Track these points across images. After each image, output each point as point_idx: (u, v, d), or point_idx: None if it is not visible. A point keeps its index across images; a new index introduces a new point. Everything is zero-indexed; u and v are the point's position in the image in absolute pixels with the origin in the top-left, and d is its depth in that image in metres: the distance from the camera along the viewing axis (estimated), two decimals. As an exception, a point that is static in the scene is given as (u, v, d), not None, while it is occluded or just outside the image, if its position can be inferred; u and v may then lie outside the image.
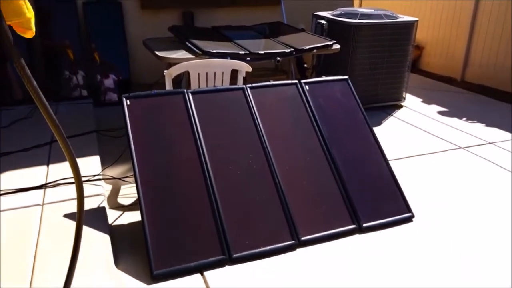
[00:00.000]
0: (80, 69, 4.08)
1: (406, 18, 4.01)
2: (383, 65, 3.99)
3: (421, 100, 4.49)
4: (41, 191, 2.40)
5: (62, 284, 1.69)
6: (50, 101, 3.83)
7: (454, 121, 3.90)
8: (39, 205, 2.27)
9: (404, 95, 4.27)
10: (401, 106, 4.26)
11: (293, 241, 2.15)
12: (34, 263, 1.85)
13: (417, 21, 4.02)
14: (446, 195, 2.67)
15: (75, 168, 1.37)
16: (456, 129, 3.69)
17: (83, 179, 2.52)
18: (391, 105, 4.22)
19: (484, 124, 3.81)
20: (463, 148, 3.33)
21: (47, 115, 1.24)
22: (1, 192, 2.36)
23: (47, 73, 4.00)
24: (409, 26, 3.98)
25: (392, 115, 4.03)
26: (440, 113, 4.11)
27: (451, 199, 2.63)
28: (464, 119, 3.95)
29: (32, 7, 1.20)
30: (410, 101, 4.42)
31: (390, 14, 4.00)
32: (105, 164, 2.86)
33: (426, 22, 5.78)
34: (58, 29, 4.01)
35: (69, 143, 1.32)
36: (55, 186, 2.45)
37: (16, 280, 1.76)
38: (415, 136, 3.56)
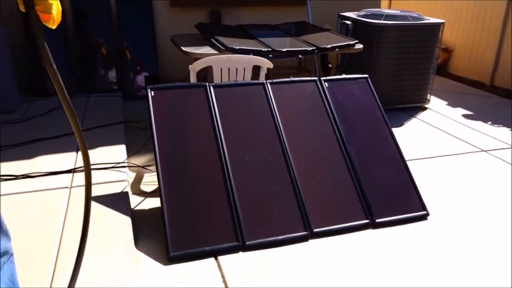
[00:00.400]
0: (111, 65, 4.26)
1: (433, 20, 3.99)
2: (407, 67, 3.98)
3: (446, 103, 4.45)
4: (69, 175, 2.55)
5: (85, 261, 1.81)
6: (82, 94, 4.03)
7: (478, 124, 3.85)
8: (67, 187, 2.42)
9: (428, 97, 4.24)
10: (425, 108, 4.24)
11: (306, 232, 2.21)
12: (61, 239, 1.99)
13: (443, 23, 3.99)
14: (464, 196, 2.67)
15: (85, 153, 1.48)
16: (480, 132, 3.65)
17: (109, 166, 2.67)
18: (414, 107, 4.20)
19: (509, 129, 3.75)
20: (485, 151, 3.29)
21: (62, 95, 1.33)
22: (34, 175, 2.53)
23: (81, 68, 4.20)
24: (435, 28, 3.96)
25: (415, 117, 4.01)
26: (465, 116, 4.07)
27: (468, 200, 2.63)
28: (489, 123, 3.89)
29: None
30: (435, 103, 4.38)
31: (416, 15, 3.99)
32: (130, 153, 2.99)
33: (456, 25, 5.70)
34: (93, 26, 4.20)
35: (79, 123, 1.45)
36: (82, 171, 2.59)
37: (43, 253, 1.90)
38: (436, 138, 3.54)
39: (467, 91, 4.96)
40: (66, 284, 1.68)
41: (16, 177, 2.50)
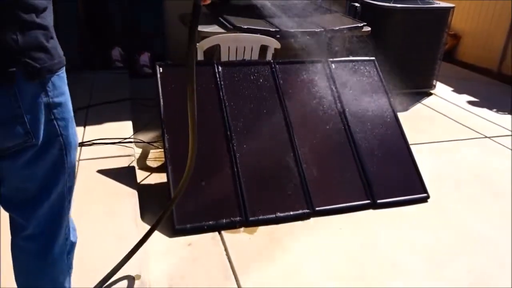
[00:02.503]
0: (118, 42, 4.27)
1: (443, 4, 3.96)
2: (414, 51, 3.96)
3: (452, 89, 4.44)
4: (77, 148, 2.59)
5: (94, 230, 1.88)
6: (89, 70, 4.04)
7: (483, 111, 3.86)
8: (76, 160, 2.46)
9: (434, 83, 4.23)
10: (431, 94, 4.24)
11: (308, 210, 2.26)
12: (69, 209, 2.04)
13: (453, 7, 3.96)
14: (465, 181, 2.70)
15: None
16: (484, 119, 3.66)
17: (116, 141, 2.71)
18: (420, 92, 4.19)
19: (514, 116, 3.76)
20: (488, 137, 3.31)
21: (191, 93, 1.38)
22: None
23: (88, 45, 4.21)
24: (445, 13, 3.94)
25: (420, 102, 4.02)
26: (470, 102, 4.07)
27: (469, 185, 2.66)
28: (494, 110, 3.90)
29: None
30: (441, 89, 4.37)
31: (426, -1, 3.96)
32: (136, 129, 3.03)
33: (465, 11, 5.63)
34: (101, 4, 4.20)
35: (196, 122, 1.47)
36: (90, 145, 2.64)
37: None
38: (440, 123, 3.56)
39: (474, 78, 4.95)
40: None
41: (25, 149, 2.55)
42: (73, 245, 1.29)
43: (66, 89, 1.10)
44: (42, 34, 0.98)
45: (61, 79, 1.07)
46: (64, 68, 1.08)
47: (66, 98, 1.09)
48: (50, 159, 1.08)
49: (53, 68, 1.02)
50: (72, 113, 1.13)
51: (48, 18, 1.00)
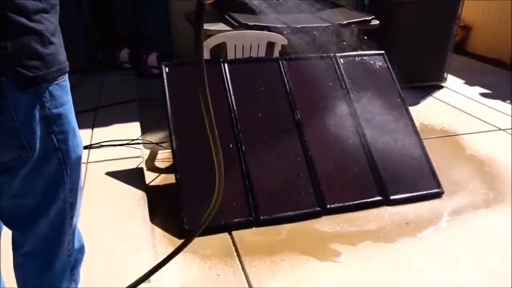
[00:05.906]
0: (125, 43, 4.25)
1: (452, -5, 3.88)
2: (424, 44, 3.89)
3: (464, 81, 4.35)
4: (86, 151, 2.58)
5: (103, 232, 1.86)
6: (97, 72, 4.03)
7: (496, 103, 3.77)
8: (84, 163, 2.46)
9: (445, 76, 4.15)
10: (442, 87, 4.16)
11: (319, 208, 2.22)
12: (78, 212, 2.03)
13: (463, -2, 3.88)
14: (478, 174, 2.64)
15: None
16: (497, 111, 3.58)
17: (124, 142, 2.69)
18: (431, 85, 4.12)
19: (529, 107, 3.67)
20: (502, 130, 3.24)
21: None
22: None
23: (96, 46, 4.20)
24: (454, 3, 3.86)
25: (431, 95, 3.94)
26: (482, 94, 3.99)
27: (485, 179, 2.60)
28: (508, 101, 3.81)
29: None
30: (452, 82, 4.28)
31: (435, -10, 3.88)
32: (144, 130, 3.01)
33: (475, 2, 5.53)
34: (107, 5, 4.19)
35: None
36: (98, 147, 2.63)
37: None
38: (453, 116, 3.49)
39: (486, 69, 4.85)
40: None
41: (34, 153, 2.54)
42: (78, 260, 1.23)
43: (67, 99, 1.01)
44: (36, 39, 0.90)
45: (61, 88, 0.98)
46: (65, 76, 1.00)
47: (66, 109, 1.01)
48: (47, 174, 1.02)
49: (49, 77, 0.93)
50: (74, 125, 1.05)
51: (45, 21, 0.92)
